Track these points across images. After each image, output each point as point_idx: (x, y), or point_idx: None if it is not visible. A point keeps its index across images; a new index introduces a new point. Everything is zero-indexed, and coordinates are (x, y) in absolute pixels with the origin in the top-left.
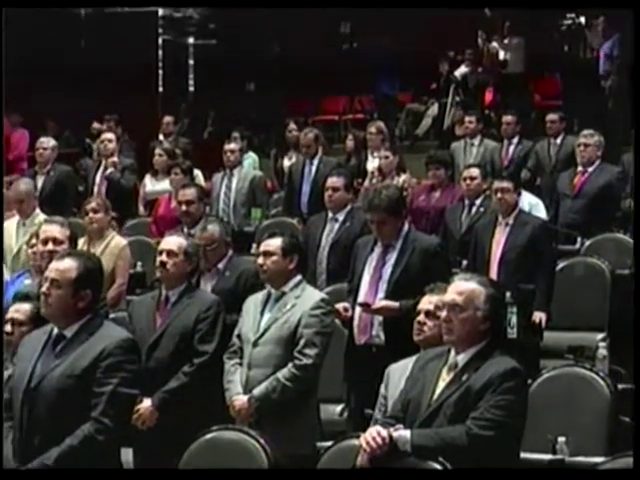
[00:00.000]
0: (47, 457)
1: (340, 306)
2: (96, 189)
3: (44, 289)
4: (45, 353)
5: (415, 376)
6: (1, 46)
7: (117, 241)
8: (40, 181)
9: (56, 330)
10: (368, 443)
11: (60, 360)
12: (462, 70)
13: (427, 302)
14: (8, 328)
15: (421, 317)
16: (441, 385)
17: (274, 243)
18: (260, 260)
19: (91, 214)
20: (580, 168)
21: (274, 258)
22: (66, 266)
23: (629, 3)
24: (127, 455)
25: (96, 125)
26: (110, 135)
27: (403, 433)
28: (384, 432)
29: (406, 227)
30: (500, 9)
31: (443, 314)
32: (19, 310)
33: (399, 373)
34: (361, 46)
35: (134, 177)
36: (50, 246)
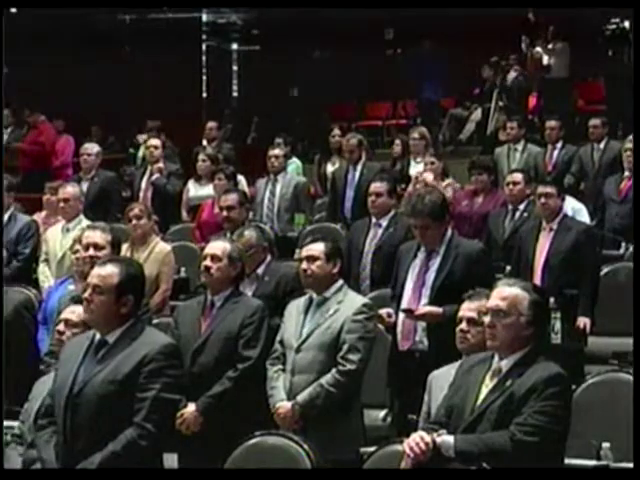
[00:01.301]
0: (90, 462)
1: (384, 312)
2: (142, 195)
3: (86, 295)
4: (87, 359)
5: (459, 381)
6: (1, 47)
7: (161, 247)
8: (84, 187)
9: (98, 336)
10: (412, 448)
11: (102, 366)
12: (512, 75)
13: (467, 309)
14: (61, 327)
15: (463, 325)
16: (484, 391)
17: (317, 248)
18: (304, 265)
19: (134, 220)
20: (627, 173)
21: (318, 263)
22: (108, 272)
23: (629, 3)
24: (172, 460)
25: (141, 137)
26: (156, 141)
27: (447, 439)
28: (427, 437)
29: (449, 232)
30: (544, 14)
31: (487, 320)
32: (74, 312)
33: (441, 380)
34: (404, 52)
35: (180, 183)
36: (91, 251)
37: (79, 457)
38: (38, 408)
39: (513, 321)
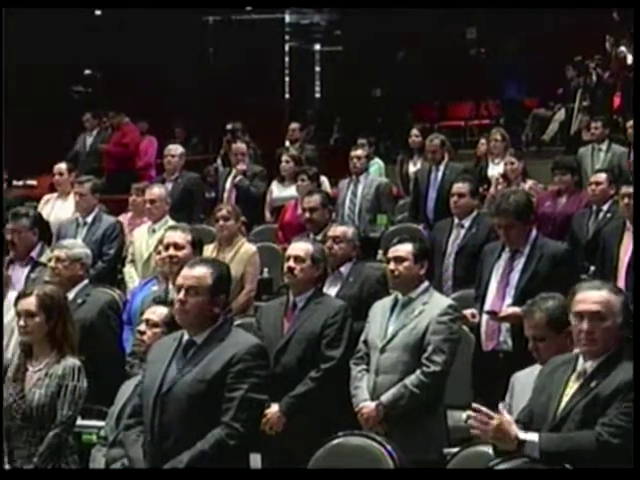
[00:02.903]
0: (179, 461)
1: (468, 312)
2: (226, 196)
3: (181, 297)
4: (176, 359)
5: (542, 383)
6: (1, 46)
7: (247, 247)
8: (168, 188)
9: (186, 336)
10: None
11: (191, 366)
12: (595, 75)
13: (527, 328)
14: (142, 327)
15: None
16: (569, 392)
17: (405, 249)
18: (391, 266)
19: (221, 221)
20: None
21: (406, 264)
22: (202, 273)
23: (629, 3)
24: (255, 460)
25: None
26: (241, 145)
27: (531, 438)
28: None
29: (534, 233)
30: (628, 13)
31: (584, 326)
32: (155, 312)
33: (523, 382)
34: (487, 51)
35: (264, 184)
36: (171, 251)
37: (167, 456)
38: (120, 410)
39: (610, 324)
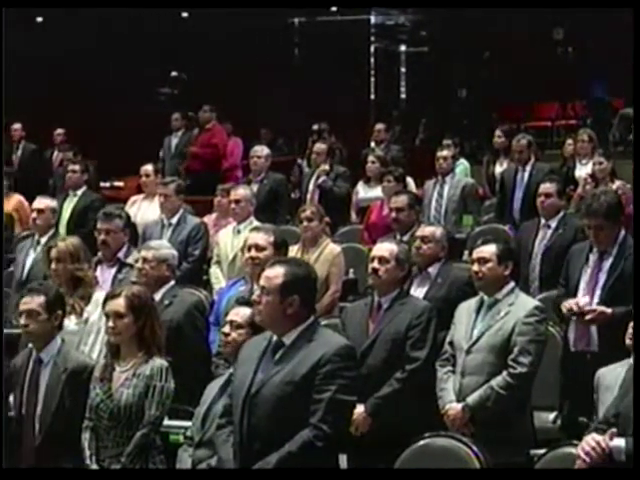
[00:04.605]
0: (267, 462)
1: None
2: (309, 197)
3: (255, 297)
4: (265, 360)
5: (628, 384)
6: (1, 46)
7: (331, 248)
8: (254, 189)
9: (275, 337)
10: (587, 453)
11: (280, 367)
12: None
13: None
14: (227, 329)
15: None
16: None
17: (489, 250)
18: (475, 267)
19: (305, 222)
20: None
21: (489, 265)
22: (274, 273)
23: (629, 3)
24: (342, 461)
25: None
26: (322, 146)
27: (617, 443)
28: (604, 443)
29: (622, 233)
30: None
31: None
32: (239, 313)
33: (608, 379)
34: (575, 51)
35: (347, 185)
36: (253, 252)
37: (255, 457)
38: (205, 410)
39: None
